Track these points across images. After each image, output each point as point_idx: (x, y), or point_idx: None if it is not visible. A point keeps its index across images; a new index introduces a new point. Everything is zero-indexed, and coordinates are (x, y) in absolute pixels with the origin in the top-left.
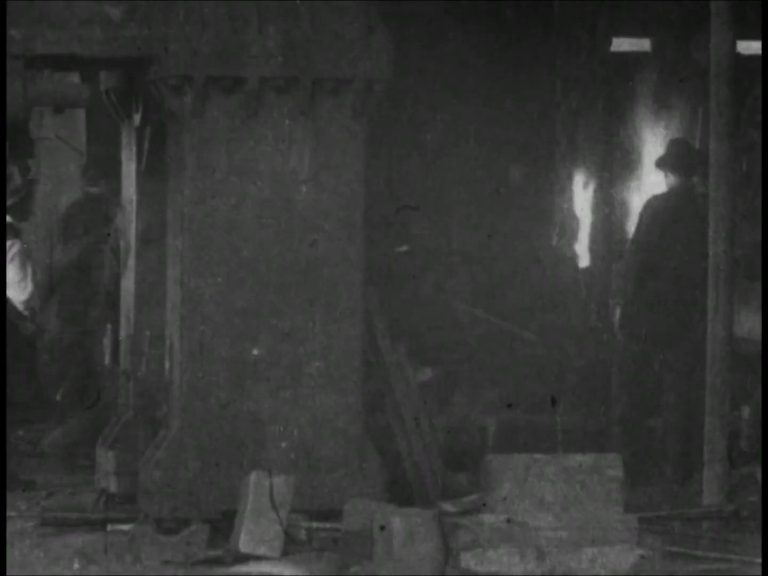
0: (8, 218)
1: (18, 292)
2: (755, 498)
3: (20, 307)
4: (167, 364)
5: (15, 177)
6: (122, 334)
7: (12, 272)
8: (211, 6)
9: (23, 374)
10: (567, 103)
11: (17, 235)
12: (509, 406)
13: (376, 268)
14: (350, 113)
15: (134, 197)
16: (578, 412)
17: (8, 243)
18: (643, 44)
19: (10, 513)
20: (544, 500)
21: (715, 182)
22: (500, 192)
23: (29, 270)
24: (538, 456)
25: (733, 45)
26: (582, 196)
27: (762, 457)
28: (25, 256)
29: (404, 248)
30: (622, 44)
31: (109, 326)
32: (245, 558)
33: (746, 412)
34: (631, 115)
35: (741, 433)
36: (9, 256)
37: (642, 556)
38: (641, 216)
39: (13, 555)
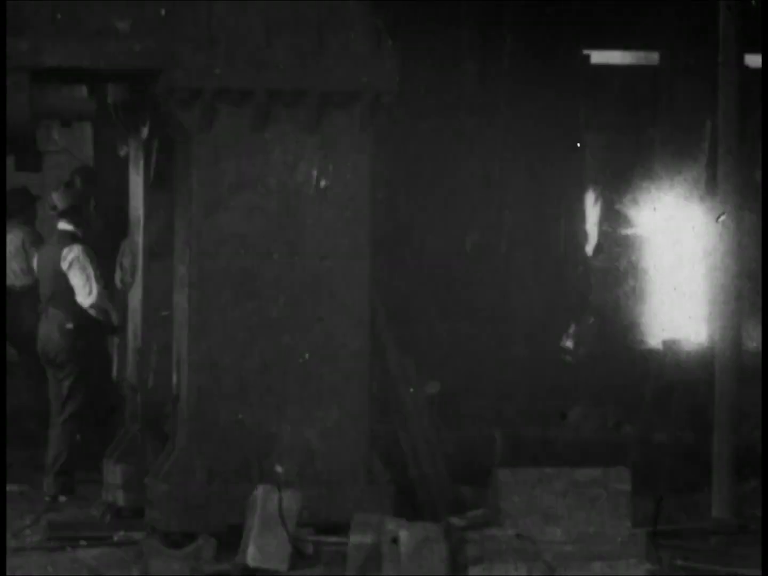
0: (66, 225)
1: (84, 297)
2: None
3: (91, 312)
4: (175, 378)
5: (76, 183)
6: (130, 347)
7: (75, 278)
8: (219, 20)
9: None
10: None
11: (74, 240)
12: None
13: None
14: (358, 126)
15: (141, 211)
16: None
17: (65, 250)
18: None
19: (17, 527)
20: (552, 514)
21: (723, 196)
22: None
23: (90, 273)
24: (546, 470)
25: (741, 58)
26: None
27: (762, 464)
28: (85, 260)
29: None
30: (627, 57)
31: (116, 340)
32: (253, 571)
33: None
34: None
35: (749, 447)
36: (66, 263)
37: (650, 570)
38: None
39: (20, 569)
